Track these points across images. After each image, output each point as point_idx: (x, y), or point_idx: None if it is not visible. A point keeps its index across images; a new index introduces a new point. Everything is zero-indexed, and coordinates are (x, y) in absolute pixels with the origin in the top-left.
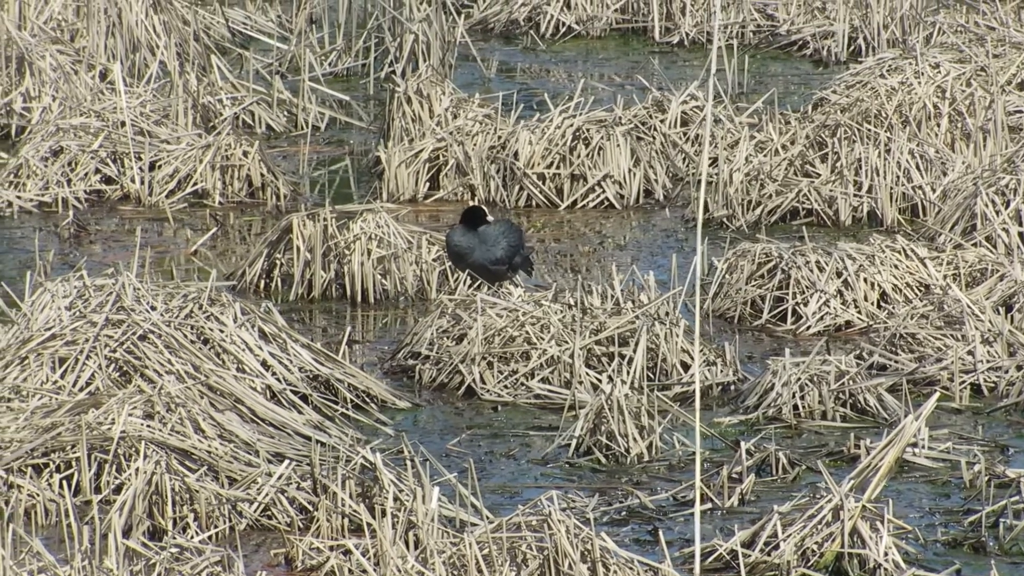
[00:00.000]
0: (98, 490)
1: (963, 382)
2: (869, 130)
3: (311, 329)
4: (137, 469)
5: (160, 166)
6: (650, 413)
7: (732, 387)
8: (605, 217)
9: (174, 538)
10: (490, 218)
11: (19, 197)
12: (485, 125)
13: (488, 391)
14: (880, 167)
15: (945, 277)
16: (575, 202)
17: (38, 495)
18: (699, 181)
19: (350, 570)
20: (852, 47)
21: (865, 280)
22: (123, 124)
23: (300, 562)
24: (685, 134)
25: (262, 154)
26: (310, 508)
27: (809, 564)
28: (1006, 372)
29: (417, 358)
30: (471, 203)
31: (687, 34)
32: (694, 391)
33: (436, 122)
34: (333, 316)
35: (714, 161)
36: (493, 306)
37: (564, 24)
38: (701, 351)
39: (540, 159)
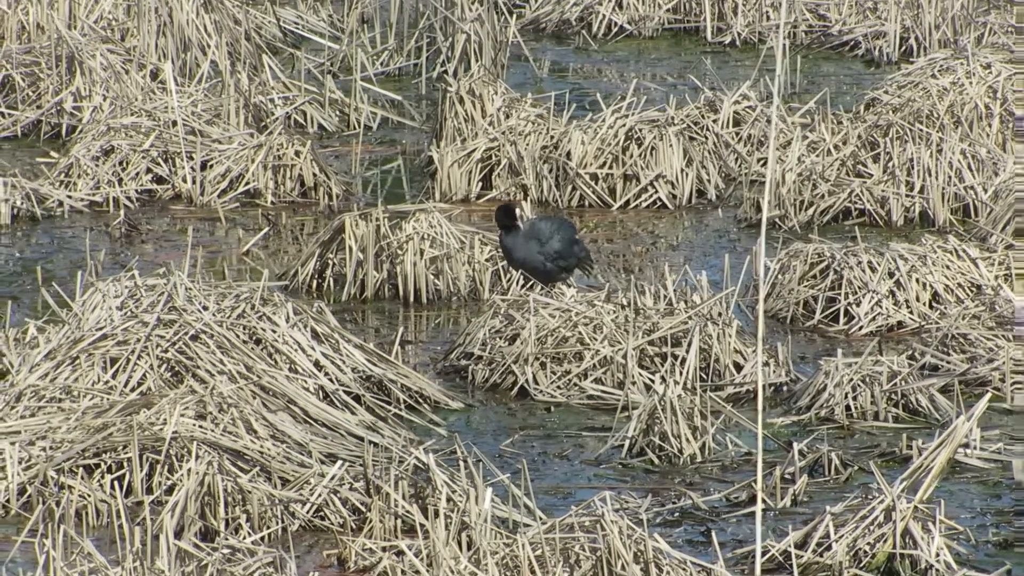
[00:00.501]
0: (150, 491)
1: (1015, 383)
2: (921, 130)
3: (363, 329)
4: (189, 470)
5: (212, 166)
6: (703, 414)
7: (785, 388)
8: (657, 217)
9: (226, 539)
10: (523, 214)
11: (70, 196)
12: (537, 125)
13: (541, 392)
14: (932, 167)
15: (996, 277)
16: (627, 202)
17: (89, 496)
18: (752, 181)
19: (403, 571)
20: (904, 47)
21: (917, 280)
22: (174, 123)
23: (352, 563)
24: (738, 134)
25: (314, 154)
26: (363, 509)
27: (861, 565)
28: None
29: (470, 358)
30: (505, 203)
31: (739, 34)
32: (747, 392)
33: (488, 122)
34: (385, 316)
35: (766, 161)
36: (546, 306)
37: (616, 24)
38: (754, 351)
39: (592, 159)
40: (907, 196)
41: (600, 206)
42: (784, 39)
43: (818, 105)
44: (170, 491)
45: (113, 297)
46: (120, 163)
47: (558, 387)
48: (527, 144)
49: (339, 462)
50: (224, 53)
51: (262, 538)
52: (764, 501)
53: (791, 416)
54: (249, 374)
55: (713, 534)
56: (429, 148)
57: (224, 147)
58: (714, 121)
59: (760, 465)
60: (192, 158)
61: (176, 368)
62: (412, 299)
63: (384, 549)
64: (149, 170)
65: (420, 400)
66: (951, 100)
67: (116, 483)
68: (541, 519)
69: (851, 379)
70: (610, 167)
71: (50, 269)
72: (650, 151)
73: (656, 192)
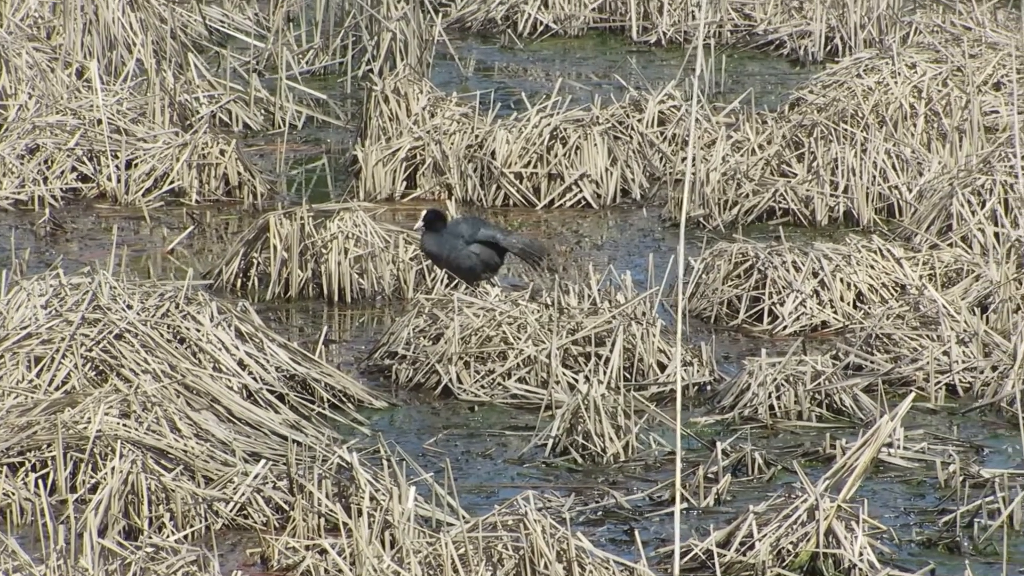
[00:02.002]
0: (74, 489)
1: (938, 382)
2: (846, 130)
3: (288, 328)
4: (113, 468)
5: (137, 164)
6: (626, 413)
7: (708, 387)
8: (582, 216)
9: (150, 537)
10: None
11: None
12: (462, 124)
13: (465, 391)
14: (856, 167)
15: (921, 277)
16: (552, 201)
17: (13, 494)
18: (677, 180)
19: (326, 570)
20: (829, 47)
21: (841, 280)
22: (100, 122)
23: (276, 562)
24: (662, 133)
25: (239, 152)
26: (286, 508)
27: (784, 564)
28: (981, 372)
29: (394, 358)
30: (433, 207)
31: (664, 33)
32: (670, 391)
33: (413, 121)
34: (310, 315)
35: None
36: (470, 305)
37: (542, 23)
38: (677, 351)
39: (517, 158)
40: (831, 196)
41: (525, 205)
42: (707, 39)
43: (743, 105)
44: (94, 490)
45: (38, 296)
46: (45, 161)
47: (482, 386)
48: (452, 143)
49: (263, 461)
50: (150, 51)
51: (185, 536)
52: (687, 500)
53: (715, 415)
54: (173, 373)
55: (636, 533)
56: (354, 147)
57: (149, 146)
58: (639, 120)
59: (679, 464)
60: (117, 157)
61: (100, 367)
62: (336, 298)
63: (307, 548)
64: (74, 168)
65: (344, 399)
66: (876, 100)
67: (40, 481)
68: (464, 518)
69: (775, 379)
70: (535, 166)
71: None
72: (575, 150)
73: (580, 191)
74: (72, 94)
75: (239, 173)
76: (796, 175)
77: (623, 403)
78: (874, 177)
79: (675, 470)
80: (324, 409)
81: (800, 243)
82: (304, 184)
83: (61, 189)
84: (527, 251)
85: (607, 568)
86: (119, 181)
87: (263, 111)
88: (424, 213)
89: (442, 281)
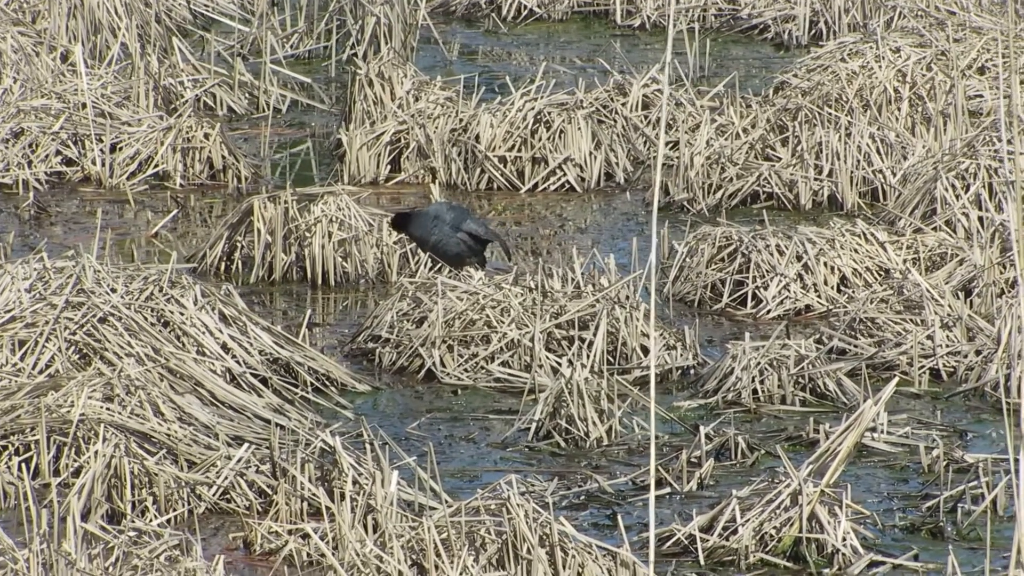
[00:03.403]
0: (57, 473)
1: (922, 367)
2: (830, 114)
3: (271, 312)
4: (96, 452)
5: (121, 148)
6: (610, 397)
7: (691, 371)
8: (566, 200)
9: (132, 521)
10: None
11: None
12: (446, 108)
13: (448, 374)
14: (840, 151)
15: (905, 261)
16: (536, 185)
17: None
18: (658, 163)
19: (308, 554)
20: (813, 31)
21: (825, 264)
22: (84, 106)
23: (259, 546)
24: (646, 117)
25: (223, 136)
26: (269, 492)
27: (767, 549)
28: (965, 357)
29: (377, 341)
30: (396, 211)
31: (648, 17)
32: (655, 375)
33: (397, 105)
34: (294, 299)
35: (675, 144)
36: (454, 289)
37: (526, 7)
38: (661, 335)
39: (501, 142)
40: (815, 180)
41: (509, 189)
42: (691, 23)
43: (727, 88)
44: (77, 473)
45: (22, 279)
46: (30, 145)
47: (465, 370)
48: (436, 127)
49: (246, 445)
50: (134, 35)
51: (168, 520)
52: (669, 485)
53: (698, 400)
54: (157, 356)
55: (619, 517)
56: (338, 131)
57: (133, 129)
58: (623, 104)
59: (653, 447)
60: (102, 140)
61: (84, 350)
62: (320, 282)
63: (290, 532)
64: (59, 152)
65: (327, 383)
66: (860, 84)
67: (23, 465)
68: (447, 502)
69: (758, 363)
70: (519, 150)
71: None
72: (559, 134)
73: (564, 175)
74: (57, 78)
75: (223, 157)
76: (780, 159)
77: (606, 387)
78: (858, 161)
79: (660, 454)
80: (307, 393)
81: (784, 227)
82: (288, 168)
83: (45, 173)
84: (506, 244)
85: (590, 553)
86: (103, 165)
87: (247, 95)
88: (389, 222)
89: (426, 264)
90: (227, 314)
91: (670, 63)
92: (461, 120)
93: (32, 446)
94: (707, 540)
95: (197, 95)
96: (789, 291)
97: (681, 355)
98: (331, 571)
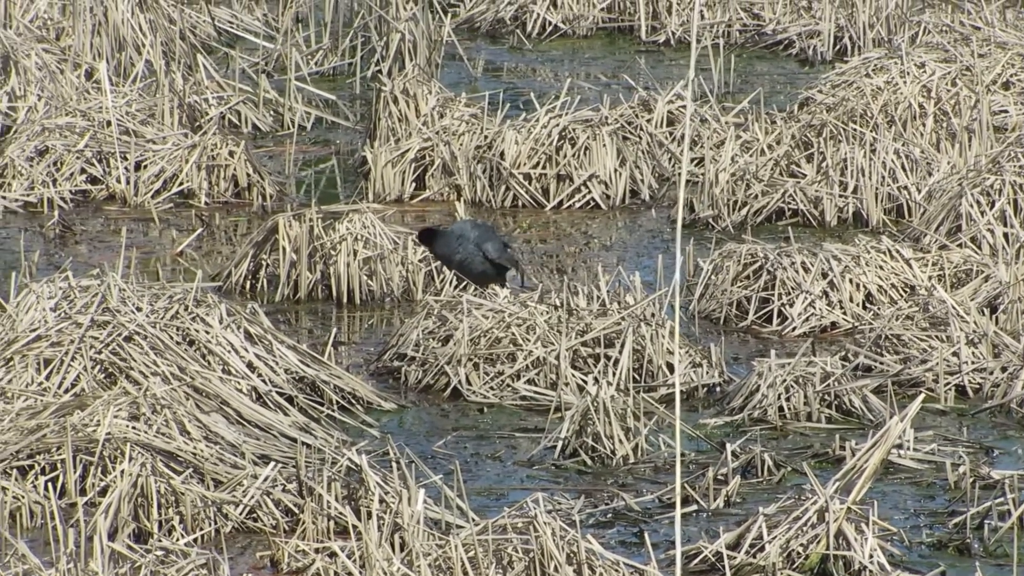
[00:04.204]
0: (83, 492)
1: (948, 383)
2: (855, 130)
3: (297, 330)
4: (122, 471)
5: (146, 166)
6: (636, 415)
7: (717, 389)
8: (591, 217)
9: (159, 540)
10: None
11: (4, 197)
12: (471, 125)
13: (474, 392)
14: (865, 167)
15: (930, 278)
16: (561, 202)
17: (23, 497)
18: (687, 182)
19: (336, 572)
20: (838, 47)
21: (850, 281)
22: (109, 124)
23: (286, 564)
24: (671, 134)
25: (248, 154)
26: (296, 510)
27: (794, 566)
28: (991, 373)
29: (403, 359)
30: (422, 226)
31: (673, 33)
32: (681, 393)
33: (422, 122)
34: (319, 317)
35: (700, 161)
36: (479, 307)
37: (550, 23)
38: (687, 352)
39: (526, 159)
40: (840, 196)
41: (534, 206)
42: (715, 39)
43: (752, 104)
44: (104, 493)
45: (47, 298)
46: (54, 163)
47: (491, 388)
48: (461, 144)
49: (272, 463)
50: (159, 53)
51: (195, 540)
52: (696, 502)
53: (724, 417)
54: (182, 375)
55: (646, 535)
56: (363, 148)
57: (158, 147)
58: (648, 121)
59: (679, 465)
60: (126, 158)
61: (110, 369)
62: (345, 300)
63: (317, 551)
64: (83, 170)
65: (353, 401)
66: (885, 99)
67: (50, 484)
68: (474, 520)
69: (784, 380)
70: (544, 167)
71: None
72: (584, 151)
73: (590, 192)
74: (81, 96)
75: (248, 174)
76: (805, 175)
77: (632, 405)
78: (883, 177)
79: (687, 471)
80: (333, 411)
81: (809, 244)
82: (313, 185)
83: (70, 191)
84: (524, 270)
85: (617, 570)
86: (128, 183)
87: (272, 112)
88: (415, 235)
89: (451, 283)
90: (253, 333)
91: (694, 80)
92: (486, 137)
93: (58, 465)
94: (734, 557)
95: (222, 112)
96: (815, 308)
97: (707, 373)
98: None
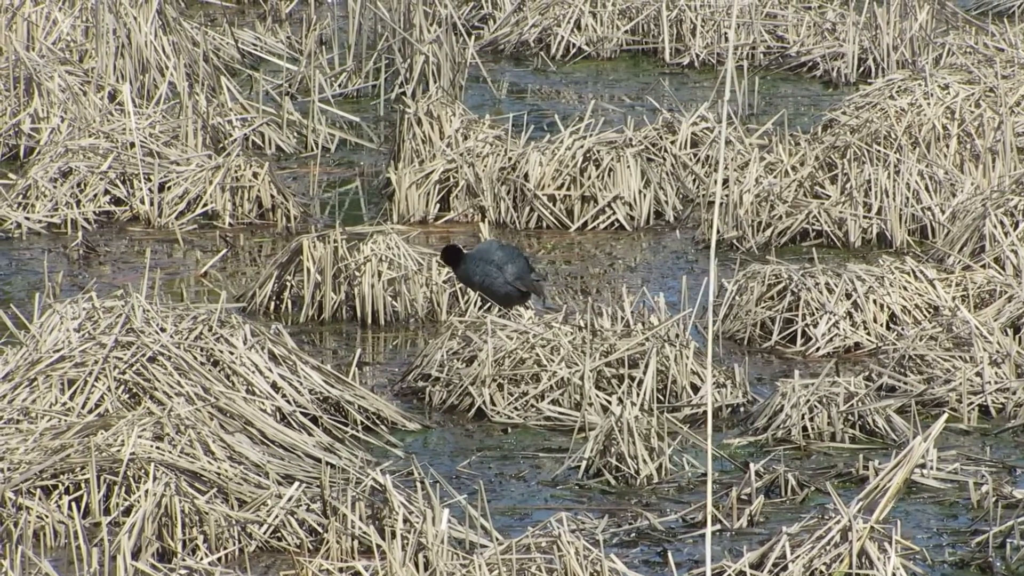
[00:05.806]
0: (107, 512)
1: (971, 403)
2: (878, 151)
3: (321, 351)
4: (146, 491)
5: (170, 187)
6: (660, 435)
7: (742, 409)
8: (615, 239)
9: (183, 560)
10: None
11: (28, 218)
12: (495, 146)
13: (498, 413)
14: (889, 188)
15: (954, 299)
16: (585, 224)
17: (47, 517)
18: (710, 202)
19: None
20: (862, 68)
21: (874, 302)
22: (132, 145)
23: None
24: (695, 155)
25: (272, 175)
26: (320, 530)
27: None
28: (1014, 393)
29: (427, 380)
30: (447, 245)
31: (697, 55)
32: (703, 413)
33: (446, 143)
34: (343, 338)
35: (724, 182)
36: (503, 328)
37: (574, 45)
38: (711, 372)
39: (550, 180)
40: (864, 217)
41: (558, 228)
42: (740, 61)
43: (776, 126)
44: (127, 512)
45: (71, 319)
46: (78, 185)
47: (515, 408)
48: (485, 166)
49: (296, 483)
50: (182, 75)
51: (219, 559)
52: (720, 522)
53: (748, 437)
54: (206, 396)
55: (669, 555)
56: (387, 169)
57: (182, 169)
58: (672, 142)
59: (710, 484)
60: (150, 180)
61: (134, 390)
62: (370, 320)
63: (341, 570)
64: (107, 192)
65: (377, 421)
66: (909, 121)
67: (74, 504)
68: (498, 540)
69: (808, 400)
70: (568, 189)
71: (8, 291)
72: (608, 172)
73: (614, 214)
74: (104, 117)
75: (272, 196)
76: (829, 196)
77: (656, 425)
78: (907, 198)
79: (708, 491)
80: (358, 431)
81: (833, 265)
82: (337, 207)
83: (94, 212)
84: (544, 296)
85: None
86: (152, 204)
87: (296, 134)
88: (440, 255)
89: (475, 304)
90: (277, 353)
91: (719, 101)
92: (510, 158)
93: (82, 485)
94: None
95: (245, 134)
96: (838, 329)
97: (731, 393)
98: None
